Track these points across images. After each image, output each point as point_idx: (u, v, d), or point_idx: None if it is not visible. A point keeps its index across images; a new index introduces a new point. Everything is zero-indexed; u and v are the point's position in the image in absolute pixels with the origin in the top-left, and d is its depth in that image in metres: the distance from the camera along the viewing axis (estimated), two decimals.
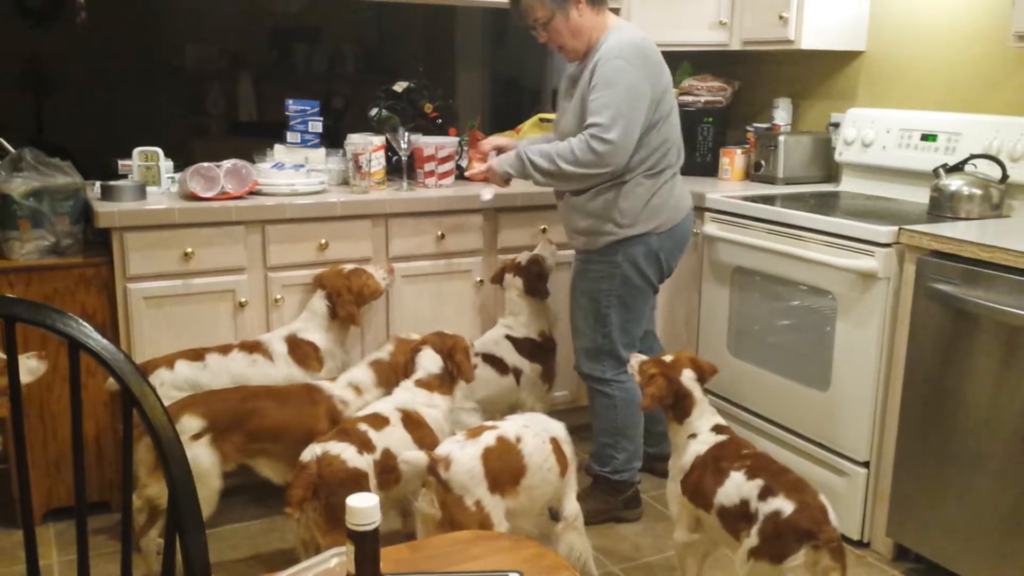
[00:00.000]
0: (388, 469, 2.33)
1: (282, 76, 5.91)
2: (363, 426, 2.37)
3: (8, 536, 2.76)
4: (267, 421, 2.51)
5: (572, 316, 2.93)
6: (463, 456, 2.17)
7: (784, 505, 1.98)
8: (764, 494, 2.03)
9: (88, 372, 2.58)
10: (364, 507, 0.86)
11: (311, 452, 2.27)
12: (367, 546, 0.88)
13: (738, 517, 2.09)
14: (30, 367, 2.18)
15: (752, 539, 2.01)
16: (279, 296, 2.95)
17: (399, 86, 3.47)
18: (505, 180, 2.87)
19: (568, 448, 2.40)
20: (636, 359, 2.44)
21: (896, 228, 2.61)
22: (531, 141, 3.01)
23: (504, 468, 2.21)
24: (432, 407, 2.52)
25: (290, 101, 3.24)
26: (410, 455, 2.22)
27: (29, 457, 2.64)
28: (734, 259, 3.16)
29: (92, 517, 2.79)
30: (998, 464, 2.37)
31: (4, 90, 5.27)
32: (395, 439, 2.38)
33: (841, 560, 1.93)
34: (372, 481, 2.30)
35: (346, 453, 2.27)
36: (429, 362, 2.57)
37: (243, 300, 2.91)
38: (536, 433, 2.32)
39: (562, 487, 2.38)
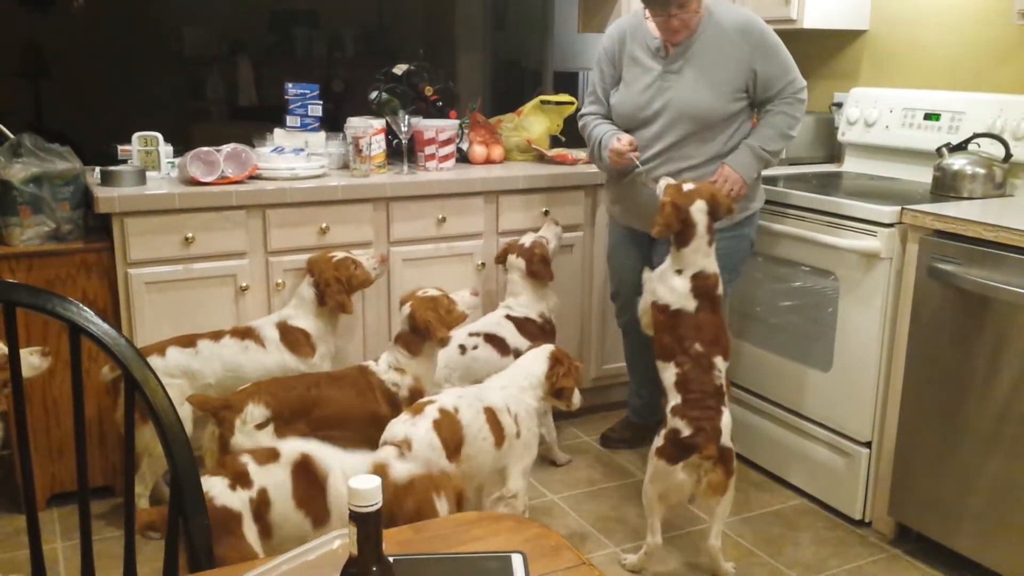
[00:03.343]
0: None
1: (281, 60, 5.88)
2: (245, 458, 2.03)
3: (12, 521, 2.78)
4: (331, 408, 2.51)
5: None
6: (419, 432, 2.24)
7: (683, 428, 2.39)
8: (676, 411, 2.43)
9: (90, 357, 2.59)
10: (367, 488, 0.86)
11: None
12: (370, 527, 0.87)
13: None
14: (32, 364, 2.17)
15: (658, 440, 2.45)
16: (280, 280, 2.95)
17: (399, 69, 3.45)
18: (748, 188, 2.80)
19: (505, 418, 2.42)
20: (664, 181, 2.64)
21: (899, 208, 2.60)
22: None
23: (450, 437, 2.29)
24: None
25: (289, 85, 3.22)
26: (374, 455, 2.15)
27: (32, 442, 2.66)
28: None
29: (95, 502, 2.80)
30: (1000, 443, 2.37)
31: (2, 76, 5.24)
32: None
33: (716, 464, 2.37)
34: (248, 523, 1.94)
35: (215, 489, 1.93)
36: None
37: (244, 285, 2.90)
38: (470, 404, 2.38)
39: (501, 459, 2.42)
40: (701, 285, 2.50)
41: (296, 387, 2.53)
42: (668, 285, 2.54)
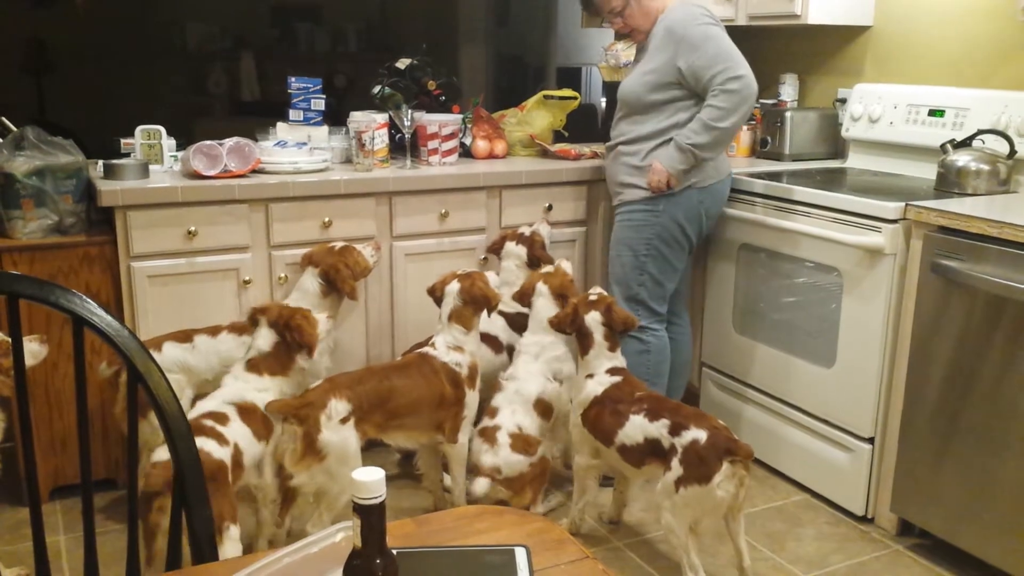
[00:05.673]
0: (236, 464, 2.26)
1: (284, 54, 5.87)
2: (209, 422, 2.26)
3: (15, 513, 2.78)
4: (405, 397, 2.56)
5: (611, 267, 3.10)
6: (509, 459, 2.59)
7: (698, 434, 2.26)
8: (676, 430, 2.30)
9: (93, 350, 2.59)
10: (370, 480, 0.86)
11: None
12: (373, 520, 0.87)
13: (643, 453, 2.40)
14: (32, 350, 2.18)
15: (676, 471, 2.27)
16: (283, 275, 2.95)
17: (402, 63, 3.44)
18: (678, 180, 2.89)
19: (551, 395, 2.73)
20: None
21: (903, 204, 2.60)
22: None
23: (525, 449, 2.63)
24: (263, 391, 2.42)
25: (292, 79, 3.22)
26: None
27: (35, 435, 2.66)
28: (740, 236, 3.14)
29: (98, 494, 2.80)
30: (1003, 439, 2.36)
31: (5, 69, 5.24)
32: (238, 434, 2.30)
33: (748, 468, 2.26)
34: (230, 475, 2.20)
35: (208, 445, 2.15)
36: (261, 340, 2.48)
37: (247, 278, 2.90)
38: (526, 413, 2.67)
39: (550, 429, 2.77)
40: (618, 370, 2.57)
41: (368, 380, 2.56)
42: (586, 387, 2.57)
